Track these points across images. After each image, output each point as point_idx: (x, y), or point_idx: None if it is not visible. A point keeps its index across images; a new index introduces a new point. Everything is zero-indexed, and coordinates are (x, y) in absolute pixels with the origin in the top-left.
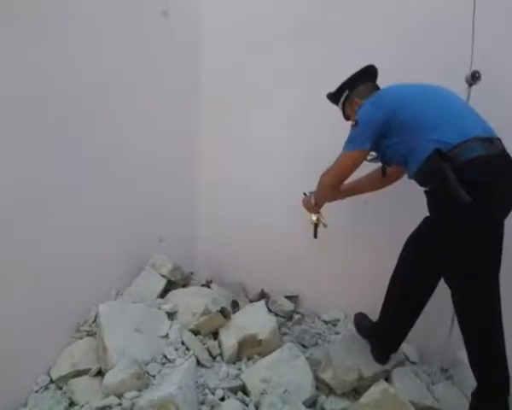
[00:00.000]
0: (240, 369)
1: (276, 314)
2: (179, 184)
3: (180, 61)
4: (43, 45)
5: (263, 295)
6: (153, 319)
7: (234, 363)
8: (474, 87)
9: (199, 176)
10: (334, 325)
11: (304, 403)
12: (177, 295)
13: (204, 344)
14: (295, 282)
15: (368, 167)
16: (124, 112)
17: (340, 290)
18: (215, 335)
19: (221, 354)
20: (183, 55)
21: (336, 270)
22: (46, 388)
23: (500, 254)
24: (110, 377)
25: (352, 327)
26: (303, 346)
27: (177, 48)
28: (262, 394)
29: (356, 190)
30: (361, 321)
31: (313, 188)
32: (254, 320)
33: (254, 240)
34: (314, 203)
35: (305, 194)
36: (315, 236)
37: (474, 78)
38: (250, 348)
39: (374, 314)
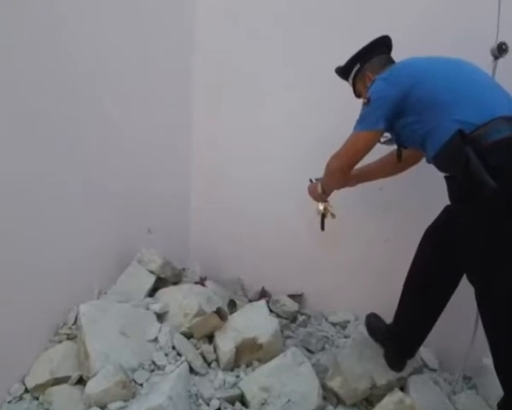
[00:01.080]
0: (238, 376)
1: (279, 315)
2: (170, 170)
3: (173, 45)
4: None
5: (263, 294)
6: (140, 320)
7: (231, 370)
8: (500, 60)
9: (192, 161)
10: (344, 328)
11: None
12: (167, 293)
13: (197, 349)
14: (300, 279)
15: (381, 151)
16: (110, 95)
17: (349, 289)
18: (210, 338)
19: (217, 360)
20: (176, 39)
21: (346, 266)
22: (20, 398)
23: None
24: (92, 386)
25: (363, 330)
26: (308, 351)
27: (171, 32)
28: (262, 404)
29: (368, 175)
30: (373, 323)
31: (320, 174)
32: (254, 322)
33: (254, 232)
34: (321, 191)
35: (310, 180)
36: (322, 227)
37: (500, 50)
38: (249, 354)
39: (388, 315)
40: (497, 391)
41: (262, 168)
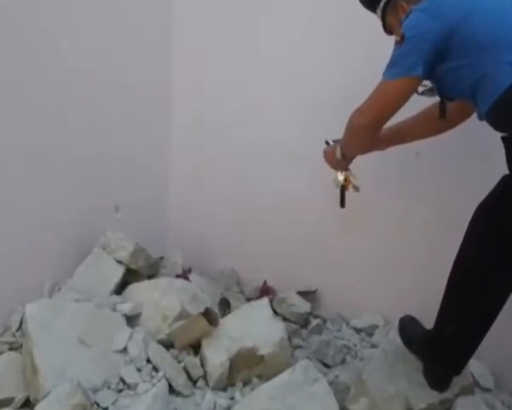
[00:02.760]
0: (232, 398)
1: (285, 318)
2: (144, 129)
3: None
4: None
5: (266, 291)
6: (105, 325)
7: (223, 389)
8: None
9: (171, 118)
10: (370, 335)
11: None
12: (140, 290)
13: (180, 362)
14: (312, 271)
15: (418, 104)
16: (63, 28)
17: (377, 284)
18: (196, 348)
19: (205, 377)
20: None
21: (373, 254)
22: None
23: None
24: None
25: (395, 337)
26: (324, 365)
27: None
28: None
29: (401, 136)
30: (409, 328)
31: (339, 134)
32: (253, 327)
33: (253, 211)
34: (340, 156)
35: (327, 143)
36: (342, 204)
37: None
38: (247, 368)
39: (428, 318)
40: None
41: (261, 126)
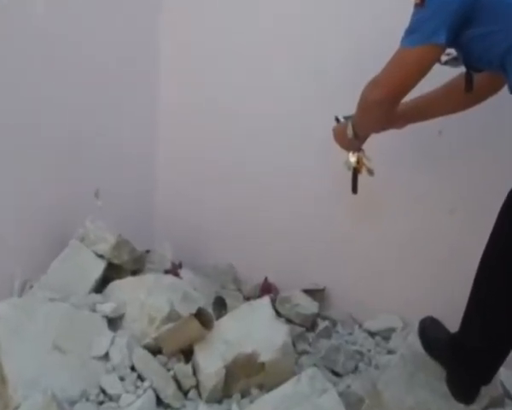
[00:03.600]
0: None
1: (290, 320)
2: (129, 106)
3: None
4: None
5: (267, 289)
6: (83, 328)
7: (218, 402)
8: None
9: (159, 93)
10: (386, 339)
11: None
12: (123, 288)
13: (169, 370)
14: (320, 266)
15: (441, 75)
16: None
17: (395, 280)
18: (187, 355)
19: (197, 388)
20: None
21: (390, 248)
22: None
23: None
24: None
25: (415, 341)
26: (334, 373)
27: None
28: None
29: (422, 112)
30: (431, 332)
31: (350, 109)
32: (253, 330)
33: (252, 197)
34: (352, 135)
35: (337, 119)
36: (354, 190)
37: None
38: (246, 377)
39: (452, 320)
40: None
41: (259, 100)
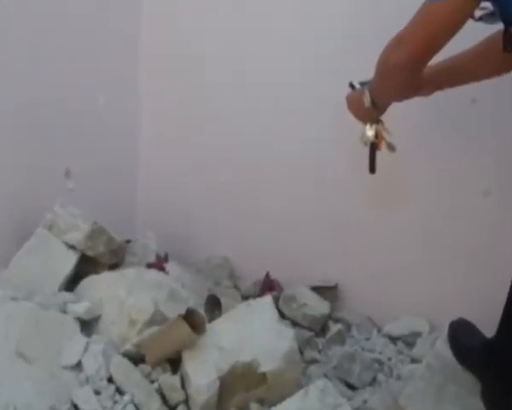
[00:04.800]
0: None
1: (296, 323)
2: (108, 73)
3: None
4: None
5: (269, 286)
6: (51, 332)
7: None
8: None
9: (144, 59)
10: (410, 345)
11: None
12: (99, 284)
13: (152, 382)
14: (332, 260)
15: (473, 35)
16: None
17: (420, 276)
18: (175, 364)
19: (186, 403)
20: None
21: (413, 237)
22: None
23: None
24: None
25: (443, 348)
26: (348, 386)
27: None
28: None
29: (452, 77)
30: (463, 336)
31: (367, 74)
32: (252, 335)
33: (250, 179)
34: (371, 104)
35: (352, 86)
36: (372, 169)
37: None
38: (243, 391)
39: (488, 323)
40: None
41: (257, 63)
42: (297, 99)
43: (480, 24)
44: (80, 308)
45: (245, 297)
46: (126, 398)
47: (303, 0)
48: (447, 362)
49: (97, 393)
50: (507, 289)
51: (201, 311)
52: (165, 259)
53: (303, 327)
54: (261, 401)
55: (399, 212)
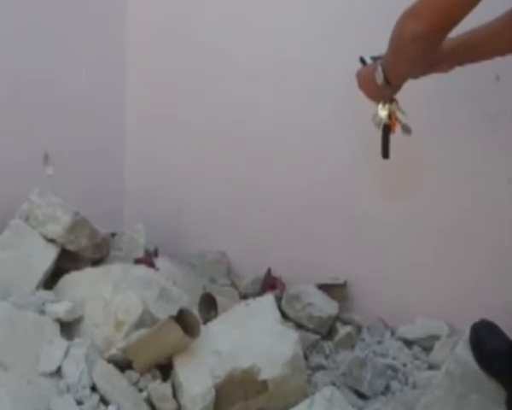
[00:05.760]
0: None
1: (300, 325)
2: (89, 45)
3: None
4: None
5: (270, 284)
6: (28, 335)
7: None
8: None
9: (130, 28)
10: (427, 350)
11: None
12: (81, 282)
13: (141, 391)
14: (340, 255)
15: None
16: None
17: (438, 274)
18: (165, 370)
19: None
20: None
21: (431, 229)
22: None
23: None
24: None
25: (465, 353)
26: (359, 395)
27: None
28: None
29: (474, 51)
30: (487, 340)
31: (379, 48)
32: (251, 338)
33: (249, 164)
34: (384, 81)
35: (362, 61)
36: (385, 153)
37: None
38: (242, 400)
39: None
40: None
41: (255, 32)
42: (299, 76)
43: None
44: (60, 308)
45: (244, 296)
46: (111, 408)
47: None
48: (469, 369)
49: (79, 403)
50: None
51: (195, 311)
52: (155, 253)
53: (308, 330)
54: None
55: (415, 202)
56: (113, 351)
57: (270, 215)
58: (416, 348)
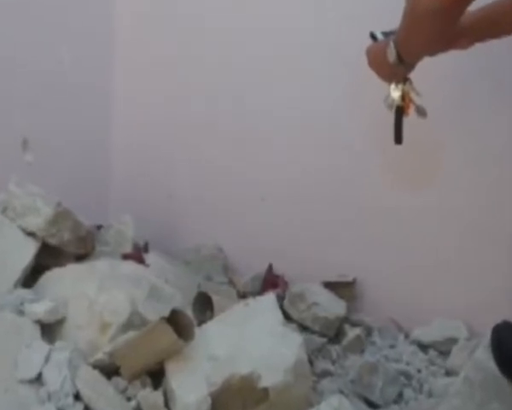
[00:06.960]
0: None
1: (305, 327)
2: (75, 27)
3: None
4: None
5: (272, 282)
6: (5, 338)
7: None
8: None
9: (115, 11)
10: (444, 354)
11: None
12: (63, 279)
13: (129, 400)
14: (348, 251)
15: None
16: None
17: (456, 272)
18: (156, 377)
19: None
20: None
21: (448, 225)
22: None
23: None
24: None
25: (485, 357)
26: (368, 403)
27: None
28: None
29: (494, 26)
30: (509, 342)
31: (391, 24)
32: (251, 342)
33: (247, 151)
34: (396, 58)
35: (373, 37)
36: (397, 138)
37: None
38: (241, 409)
39: None
40: None
41: (256, 13)
42: (301, 56)
43: None
44: (40, 309)
45: (242, 295)
46: None
47: None
48: (490, 375)
49: None
50: None
51: (189, 312)
52: (145, 248)
53: (313, 332)
54: None
55: (432, 192)
56: (99, 356)
57: (272, 206)
58: (432, 353)
